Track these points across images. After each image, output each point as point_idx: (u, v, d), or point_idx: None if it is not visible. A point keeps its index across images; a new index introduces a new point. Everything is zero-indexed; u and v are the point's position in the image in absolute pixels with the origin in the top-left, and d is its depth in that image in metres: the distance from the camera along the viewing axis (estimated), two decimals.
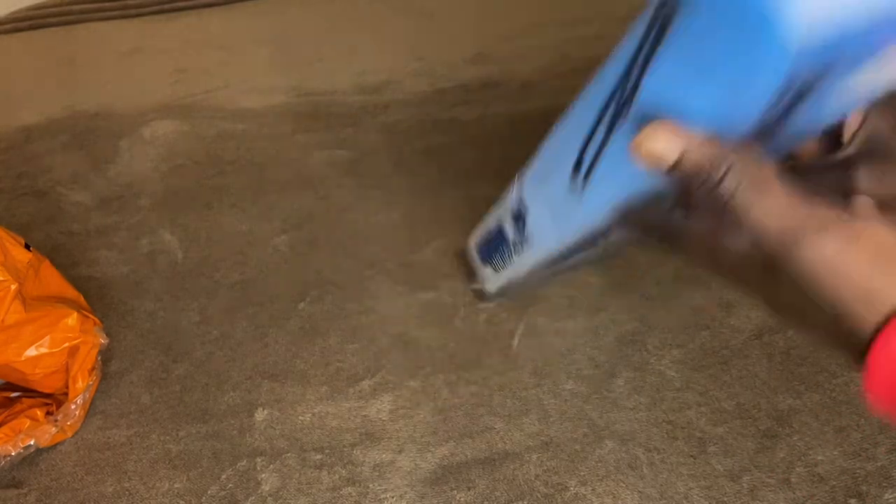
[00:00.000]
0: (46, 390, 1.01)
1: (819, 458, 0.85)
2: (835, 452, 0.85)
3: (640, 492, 0.86)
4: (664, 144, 0.33)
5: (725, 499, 0.85)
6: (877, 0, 0.30)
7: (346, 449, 0.93)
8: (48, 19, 2.02)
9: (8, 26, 2.01)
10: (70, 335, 0.97)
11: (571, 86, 1.66)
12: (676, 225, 0.35)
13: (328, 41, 1.81)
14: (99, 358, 1.03)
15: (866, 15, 0.30)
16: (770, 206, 0.31)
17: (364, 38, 1.79)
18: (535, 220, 0.52)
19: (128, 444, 0.98)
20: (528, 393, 0.98)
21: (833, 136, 0.38)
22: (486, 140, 1.42)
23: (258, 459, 0.93)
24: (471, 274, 0.58)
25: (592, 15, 1.75)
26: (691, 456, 0.90)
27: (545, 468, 0.88)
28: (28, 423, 0.96)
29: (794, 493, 0.81)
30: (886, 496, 0.81)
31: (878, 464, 0.84)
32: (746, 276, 0.33)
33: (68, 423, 0.97)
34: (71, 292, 1.05)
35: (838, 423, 0.88)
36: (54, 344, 0.95)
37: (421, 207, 1.29)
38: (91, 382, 1.00)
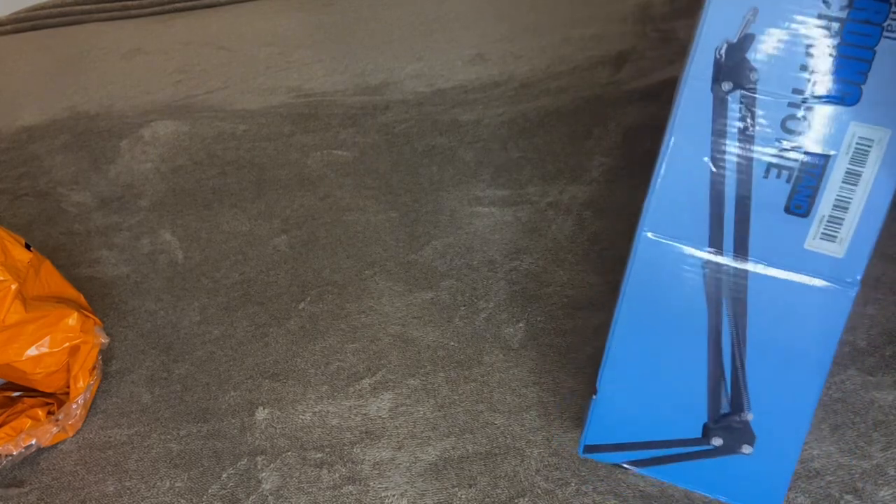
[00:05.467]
0: (47, 390, 1.01)
1: (815, 452, 0.85)
2: (830, 449, 0.86)
3: (640, 490, 0.86)
4: None
5: None
6: None
7: (346, 447, 0.94)
8: (49, 20, 2.02)
9: (8, 27, 2.01)
10: (71, 335, 0.97)
11: (570, 86, 1.67)
12: None
13: (328, 42, 1.81)
14: (100, 357, 1.03)
15: None
16: None
17: (363, 39, 1.80)
18: None
19: (129, 443, 0.98)
20: (528, 390, 0.98)
21: None
22: (485, 140, 1.42)
23: (259, 458, 0.94)
24: None
25: (591, 16, 1.76)
26: None
27: (546, 464, 0.89)
28: (29, 422, 0.96)
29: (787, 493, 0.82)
30: (882, 493, 0.81)
31: (874, 461, 0.84)
32: None
33: (69, 423, 0.98)
34: (71, 292, 1.06)
35: (833, 421, 0.89)
36: (55, 344, 0.96)
37: (421, 207, 1.30)
38: (92, 382, 1.00)
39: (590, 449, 0.81)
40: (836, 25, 0.56)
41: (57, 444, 0.99)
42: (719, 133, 0.62)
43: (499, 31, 1.76)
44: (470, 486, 0.88)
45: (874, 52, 0.56)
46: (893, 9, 0.55)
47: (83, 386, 0.98)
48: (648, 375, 0.74)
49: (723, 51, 0.60)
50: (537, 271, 1.15)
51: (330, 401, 1.00)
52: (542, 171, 1.33)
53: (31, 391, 1.03)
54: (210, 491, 0.91)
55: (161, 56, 1.82)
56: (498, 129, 1.44)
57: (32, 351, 0.94)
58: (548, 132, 1.41)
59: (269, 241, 1.27)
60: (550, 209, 1.26)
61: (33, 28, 2.01)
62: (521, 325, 1.07)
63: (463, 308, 1.11)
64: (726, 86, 0.61)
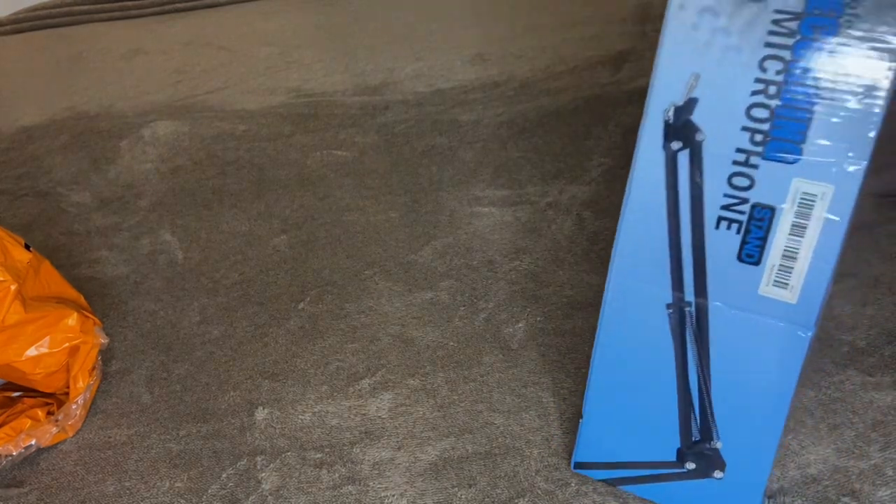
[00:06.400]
0: (47, 390, 1.01)
1: (812, 457, 0.85)
2: (828, 451, 0.86)
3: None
4: None
5: None
6: None
7: (345, 447, 0.94)
8: (49, 20, 2.02)
9: (8, 27, 2.02)
10: (70, 335, 0.97)
11: (570, 86, 1.67)
12: None
13: (328, 42, 1.81)
14: (99, 358, 1.03)
15: None
16: None
17: (363, 40, 1.80)
18: None
19: (128, 443, 0.98)
20: (528, 390, 0.98)
21: None
22: (485, 140, 1.42)
23: (258, 458, 0.94)
24: None
25: (590, 16, 1.76)
26: None
27: (546, 464, 0.89)
28: (29, 422, 0.96)
29: (785, 497, 0.82)
30: (880, 493, 0.81)
31: (872, 462, 0.84)
32: None
33: (69, 423, 0.98)
34: (71, 292, 1.06)
35: (832, 420, 0.89)
36: (54, 344, 0.96)
37: (420, 208, 1.30)
38: (92, 382, 1.01)
39: (579, 466, 0.85)
40: (773, 88, 0.59)
41: (57, 444, 0.99)
42: (672, 187, 0.66)
43: (499, 31, 1.76)
44: (470, 486, 0.88)
45: (812, 113, 0.59)
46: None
47: (83, 386, 0.98)
48: (626, 403, 0.78)
49: (671, 113, 0.64)
50: (537, 271, 1.15)
51: (329, 401, 1.00)
52: (541, 171, 1.33)
53: (31, 391, 1.03)
54: (210, 491, 0.91)
55: (161, 56, 1.82)
56: (498, 129, 1.44)
57: (32, 351, 0.94)
58: (547, 132, 1.41)
59: (269, 241, 1.27)
60: (550, 209, 1.26)
61: (33, 28, 2.01)
62: (520, 325, 1.07)
63: (462, 308, 1.11)
64: (675, 145, 0.64)
